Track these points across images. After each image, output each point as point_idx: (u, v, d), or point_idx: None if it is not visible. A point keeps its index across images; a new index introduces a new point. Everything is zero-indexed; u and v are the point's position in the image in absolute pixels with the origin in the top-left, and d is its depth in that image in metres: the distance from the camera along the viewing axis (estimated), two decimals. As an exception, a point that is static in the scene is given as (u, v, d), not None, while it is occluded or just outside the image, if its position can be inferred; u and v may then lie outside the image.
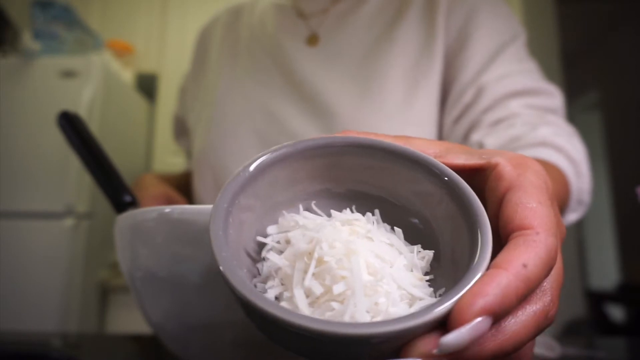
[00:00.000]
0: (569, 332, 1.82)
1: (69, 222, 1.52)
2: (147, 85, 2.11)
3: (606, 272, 3.61)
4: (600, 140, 3.67)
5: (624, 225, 3.28)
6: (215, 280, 0.24)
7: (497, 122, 0.48)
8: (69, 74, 1.64)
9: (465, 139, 0.50)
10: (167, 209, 0.25)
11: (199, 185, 0.59)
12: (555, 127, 0.48)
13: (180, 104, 0.73)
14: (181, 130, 0.75)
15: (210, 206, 0.24)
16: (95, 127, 1.62)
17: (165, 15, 2.22)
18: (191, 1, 2.19)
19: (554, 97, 0.52)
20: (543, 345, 0.37)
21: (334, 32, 0.58)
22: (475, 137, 0.48)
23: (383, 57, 0.54)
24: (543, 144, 0.45)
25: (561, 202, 0.44)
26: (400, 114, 0.51)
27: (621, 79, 3.38)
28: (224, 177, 0.55)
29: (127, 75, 2.02)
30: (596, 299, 2.80)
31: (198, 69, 0.69)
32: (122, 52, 2.02)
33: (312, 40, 0.58)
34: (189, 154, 0.77)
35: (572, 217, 0.49)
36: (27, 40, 1.67)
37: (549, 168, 0.43)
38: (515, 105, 0.49)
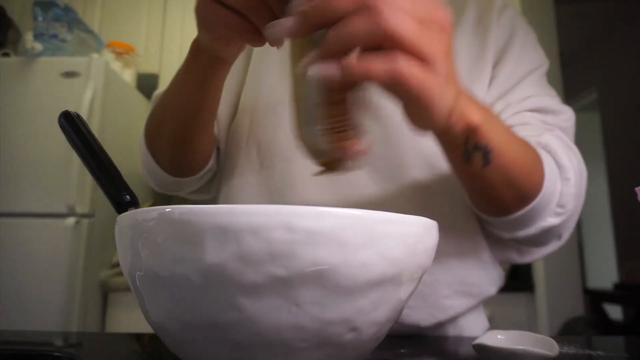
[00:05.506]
0: (568, 331, 1.82)
1: (70, 221, 1.52)
2: (148, 85, 2.11)
3: (605, 271, 3.61)
4: (598, 140, 3.67)
5: (623, 224, 3.28)
6: (215, 280, 0.24)
7: (510, 127, 0.53)
8: (70, 74, 1.64)
9: None
10: (168, 208, 0.25)
11: (241, 159, 0.62)
12: (559, 140, 0.53)
13: None
14: None
15: (210, 206, 0.25)
16: (96, 127, 1.62)
17: (165, 15, 2.22)
18: (191, 2, 2.19)
19: (567, 119, 0.58)
20: (542, 343, 0.37)
21: None
22: None
23: None
24: (539, 143, 0.51)
25: (520, 176, 0.46)
26: None
27: (619, 78, 3.38)
28: (270, 151, 0.60)
29: (128, 76, 2.02)
30: (595, 298, 2.80)
31: None
32: (123, 53, 2.03)
33: None
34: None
35: (552, 220, 0.50)
36: (29, 40, 1.67)
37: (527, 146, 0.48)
38: (530, 117, 0.57)
